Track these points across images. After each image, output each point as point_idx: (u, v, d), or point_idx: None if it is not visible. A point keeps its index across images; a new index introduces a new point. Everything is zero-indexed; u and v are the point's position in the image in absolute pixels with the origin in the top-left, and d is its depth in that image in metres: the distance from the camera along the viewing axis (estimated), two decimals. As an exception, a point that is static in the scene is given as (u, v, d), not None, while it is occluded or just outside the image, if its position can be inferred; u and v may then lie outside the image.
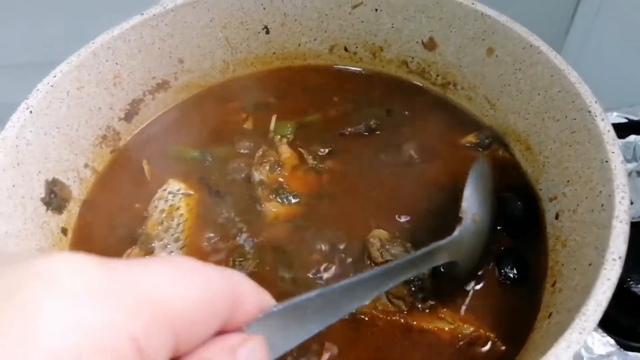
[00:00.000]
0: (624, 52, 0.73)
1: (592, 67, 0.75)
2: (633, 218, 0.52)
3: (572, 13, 0.78)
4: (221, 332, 0.19)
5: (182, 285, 0.17)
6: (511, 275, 0.38)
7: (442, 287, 0.37)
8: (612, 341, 0.46)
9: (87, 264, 0.15)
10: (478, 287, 0.37)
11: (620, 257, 0.28)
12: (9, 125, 0.38)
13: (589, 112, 0.35)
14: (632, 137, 0.57)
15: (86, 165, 0.45)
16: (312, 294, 0.22)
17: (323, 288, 0.23)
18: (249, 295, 0.19)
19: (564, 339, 0.25)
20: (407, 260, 0.31)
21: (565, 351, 0.25)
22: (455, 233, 0.34)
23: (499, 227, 0.40)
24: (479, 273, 0.37)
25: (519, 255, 0.39)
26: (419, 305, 0.36)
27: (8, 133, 0.37)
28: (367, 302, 0.26)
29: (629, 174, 0.57)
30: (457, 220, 0.35)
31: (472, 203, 0.36)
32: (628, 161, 0.57)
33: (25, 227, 0.37)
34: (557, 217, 0.38)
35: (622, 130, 0.58)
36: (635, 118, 0.60)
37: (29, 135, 0.38)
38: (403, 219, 0.41)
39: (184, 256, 0.18)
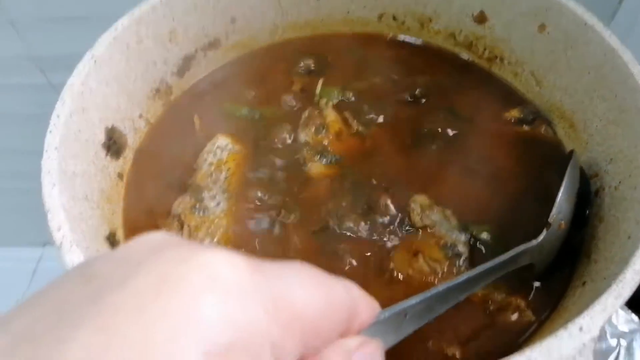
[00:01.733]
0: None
1: (636, 51, 0.74)
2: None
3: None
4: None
5: (312, 293, 0.18)
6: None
7: (478, 254, 0.38)
8: (636, 319, 0.47)
9: (238, 261, 0.16)
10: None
11: (660, 232, 0.29)
12: (75, 72, 0.40)
13: (641, 92, 0.35)
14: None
15: (140, 116, 0.47)
16: (413, 300, 0.24)
17: (423, 294, 0.25)
18: (364, 306, 0.20)
19: (600, 303, 0.27)
20: (494, 265, 0.32)
21: (600, 314, 0.27)
22: (540, 238, 0.35)
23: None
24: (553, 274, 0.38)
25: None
26: (454, 270, 0.38)
27: (75, 80, 0.39)
28: (454, 304, 0.29)
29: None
30: (545, 225, 0.35)
31: (563, 206, 0.36)
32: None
33: (89, 169, 0.39)
34: (597, 193, 0.39)
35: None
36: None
37: (93, 83, 0.41)
38: (442, 188, 0.42)
39: (308, 265, 0.18)
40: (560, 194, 0.36)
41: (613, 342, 0.47)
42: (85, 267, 0.16)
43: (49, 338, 0.13)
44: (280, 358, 0.16)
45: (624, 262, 0.29)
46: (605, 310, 0.27)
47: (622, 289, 0.27)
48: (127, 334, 0.13)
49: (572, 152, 0.39)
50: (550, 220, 0.35)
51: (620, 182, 0.36)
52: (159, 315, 0.14)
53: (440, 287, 0.27)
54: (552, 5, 0.43)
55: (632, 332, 0.47)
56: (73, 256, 0.30)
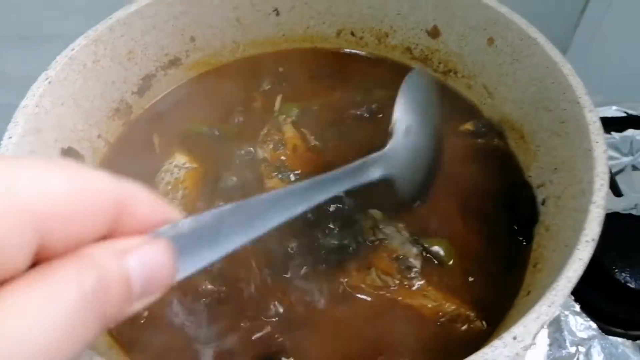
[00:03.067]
0: (631, 48, 0.73)
1: (599, 61, 0.76)
2: (624, 210, 0.54)
3: (582, 7, 0.79)
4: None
5: (50, 178, 0.15)
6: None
7: (430, 266, 0.39)
8: (594, 326, 0.48)
9: None
10: (466, 269, 0.39)
11: (593, 239, 0.30)
12: (29, 94, 0.40)
13: (579, 103, 0.36)
14: (629, 131, 0.59)
15: (99, 136, 0.47)
16: (227, 207, 0.20)
17: (243, 201, 0.21)
18: (143, 201, 0.18)
19: (534, 311, 0.28)
20: (336, 172, 0.29)
21: (534, 321, 0.27)
22: (387, 145, 0.33)
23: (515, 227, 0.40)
24: (424, 199, 0.36)
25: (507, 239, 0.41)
26: (406, 283, 0.38)
27: (29, 101, 0.40)
28: (291, 217, 0.24)
29: (624, 168, 0.58)
30: (387, 134, 0.34)
31: (403, 114, 0.34)
32: (624, 155, 0.59)
33: (42, 190, 0.40)
34: (543, 203, 0.40)
35: (620, 124, 0.59)
36: (634, 112, 0.61)
37: (48, 104, 0.41)
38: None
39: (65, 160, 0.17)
40: (397, 101, 0.34)
41: (572, 349, 0.48)
42: None
43: None
44: (3, 248, 0.14)
45: (559, 271, 0.30)
46: (538, 319, 0.27)
47: (554, 297, 0.28)
48: None
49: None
50: (390, 128, 0.34)
51: (562, 191, 0.37)
52: None
53: (267, 194, 0.23)
54: (498, 19, 0.44)
55: (591, 338, 0.48)
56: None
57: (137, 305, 0.17)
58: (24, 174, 0.15)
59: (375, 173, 0.32)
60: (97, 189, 0.16)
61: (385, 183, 0.33)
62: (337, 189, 0.29)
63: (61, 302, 0.14)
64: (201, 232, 0.19)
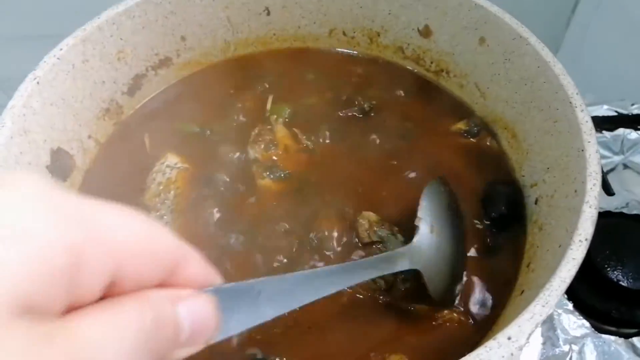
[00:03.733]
0: (620, 48, 0.74)
1: (589, 61, 0.76)
2: (615, 208, 0.54)
3: (572, 7, 0.79)
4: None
5: (128, 223, 0.17)
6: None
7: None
8: (587, 324, 0.48)
9: (46, 182, 0.16)
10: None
11: (586, 239, 0.30)
12: (17, 94, 0.39)
13: (570, 103, 0.36)
14: (620, 130, 0.59)
15: (89, 137, 0.46)
16: (265, 278, 0.22)
17: (280, 275, 0.24)
18: (194, 260, 0.20)
19: (528, 311, 0.27)
20: (368, 261, 0.32)
21: (528, 321, 0.27)
22: (414, 240, 0.36)
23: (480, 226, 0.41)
24: (454, 300, 0.37)
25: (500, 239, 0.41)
26: (400, 285, 0.38)
27: (16, 102, 0.39)
28: (323, 296, 0.26)
29: (615, 167, 0.59)
30: (415, 229, 0.36)
31: (427, 213, 0.37)
32: (615, 154, 0.59)
33: (30, 192, 0.39)
34: (536, 202, 0.40)
35: (612, 123, 0.60)
36: (625, 111, 0.61)
37: (36, 104, 0.40)
38: (390, 203, 0.43)
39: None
40: (420, 203, 0.37)
41: (565, 347, 0.48)
42: None
43: None
44: (83, 273, 0.15)
45: (553, 270, 0.29)
46: (532, 318, 0.27)
47: (549, 297, 0.28)
48: None
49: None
50: (416, 222, 0.36)
51: (555, 190, 0.37)
52: None
53: (301, 273, 0.25)
54: (489, 19, 0.44)
55: (584, 337, 0.48)
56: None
57: (181, 353, 0.18)
58: (110, 213, 0.17)
59: (404, 265, 0.34)
60: (165, 242, 0.18)
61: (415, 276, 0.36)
62: (368, 276, 0.31)
63: (125, 334, 0.16)
64: (240, 297, 0.21)
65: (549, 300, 0.28)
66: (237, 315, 0.21)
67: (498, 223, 0.41)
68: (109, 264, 0.16)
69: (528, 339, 0.27)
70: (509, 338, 0.27)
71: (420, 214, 0.36)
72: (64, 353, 0.14)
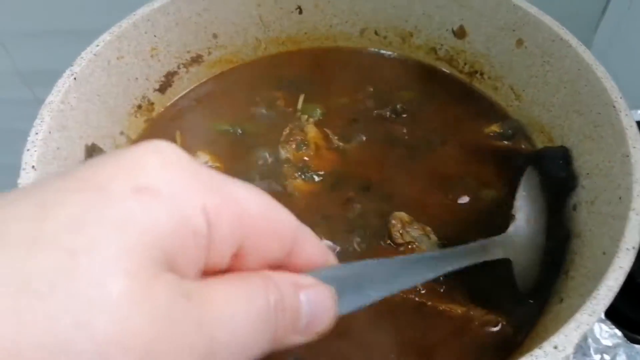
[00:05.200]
0: (653, 50, 0.72)
1: (620, 63, 0.75)
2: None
3: (603, 8, 0.78)
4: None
5: (256, 197, 0.18)
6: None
7: (459, 272, 0.38)
8: (619, 333, 0.47)
9: (183, 151, 0.17)
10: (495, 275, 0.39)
11: (634, 247, 0.29)
12: (55, 90, 0.40)
13: (614, 107, 0.36)
14: (655, 136, 0.58)
15: (122, 133, 0.47)
16: (371, 260, 0.23)
17: (387, 259, 0.24)
18: (312, 240, 0.20)
19: (574, 320, 0.27)
20: (466, 248, 0.32)
21: (575, 331, 0.27)
22: (510, 229, 0.35)
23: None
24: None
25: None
26: (436, 288, 0.38)
27: (54, 98, 0.39)
28: (421, 281, 0.28)
29: (649, 172, 0.57)
30: (510, 218, 0.36)
31: (524, 204, 0.36)
32: (649, 159, 0.58)
33: (67, 187, 0.39)
34: (574, 208, 0.39)
35: (646, 128, 0.58)
36: (658, 117, 0.60)
37: (73, 100, 0.40)
38: (422, 204, 0.42)
39: None
40: (518, 190, 0.37)
41: (597, 357, 0.47)
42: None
43: None
44: (216, 234, 0.16)
45: (598, 278, 0.29)
46: (579, 328, 0.27)
47: (596, 306, 0.27)
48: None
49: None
50: (513, 212, 0.36)
51: (596, 197, 0.36)
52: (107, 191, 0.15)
53: (402, 257, 0.26)
54: (529, 21, 0.43)
55: (616, 346, 0.47)
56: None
57: (297, 339, 0.18)
58: (239, 186, 0.17)
59: (497, 253, 0.34)
60: (287, 220, 0.19)
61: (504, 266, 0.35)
62: (465, 263, 0.31)
63: (251, 308, 0.16)
64: (348, 279, 0.21)
65: (596, 310, 0.27)
66: (345, 295, 0.20)
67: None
68: (238, 233, 0.17)
69: (575, 348, 0.27)
70: (555, 347, 0.26)
71: (518, 203, 0.36)
72: (198, 313, 0.15)
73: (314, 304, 0.18)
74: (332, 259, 0.21)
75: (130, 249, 0.14)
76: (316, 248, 0.20)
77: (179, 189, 0.16)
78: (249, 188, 0.18)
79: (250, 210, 0.17)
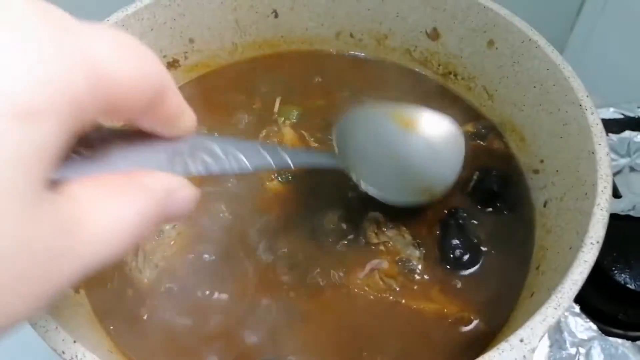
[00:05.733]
0: (626, 50, 0.74)
1: (595, 63, 0.76)
2: (622, 211, 0.54)
3: (577, 10, 0.79)
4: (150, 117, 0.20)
5: (123, 55, 0.17)
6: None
7: (432, 270, 0.39)
8: (594, 327, 0.48)
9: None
10: (467, 272, 0.39)
11: (598, 242, 0.30)
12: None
13: (580, 105, 0.37)
14: (626, 133, 0.59)
15: (98, 138, 0.46)
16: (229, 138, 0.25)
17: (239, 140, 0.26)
18: (175, 94, 0.21)
19: (540, 313, 0.27)
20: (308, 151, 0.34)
21: (540, 324, 0.27)
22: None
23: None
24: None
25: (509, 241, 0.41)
26: (408, 286, 0.38)
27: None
28: (264, 164, 0.28)
29: (622, 169, 0.59)
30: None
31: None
32: (622, 156, 0.59)
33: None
34: (545, 205, 0.40)
35: (618, 125, 0.60)
36: (631, 114, 0.61)
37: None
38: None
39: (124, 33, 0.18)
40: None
41: (572, 350, 0.48)
42: None
43: None
44: (80, 114, 0.15)
45: (565, 273, 0.30)
46: (545, 321, 0.27)
47: (561, 299, 0.28)
48: None
49: None
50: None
51: (564, 193, 0.37)
52: None
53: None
54: (499, 22, 0.44)
55: (591, 339, 0.48)
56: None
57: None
58: (104, 44, 0.16)
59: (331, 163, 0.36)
60: (152, 75, 0.18)
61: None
62: (302, 161, 0.32)
63: (129, 218, 0.18)
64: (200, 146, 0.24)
65: (561, 303, 0.28)
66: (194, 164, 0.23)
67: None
68: (101, 106, 0.16)
69: (540, 341, 0.27)
70: (521, 340, 0.27)
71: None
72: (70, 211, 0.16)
73: (180, 202, 0.20)
74: (189, 114, 0.22)
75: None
76: (180, 104, 0.21)
77: (49, 79, 0.14)
78: (115, 42, 0.17)
79: (118, 80, 0.17)
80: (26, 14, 0.14)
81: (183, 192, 0.21)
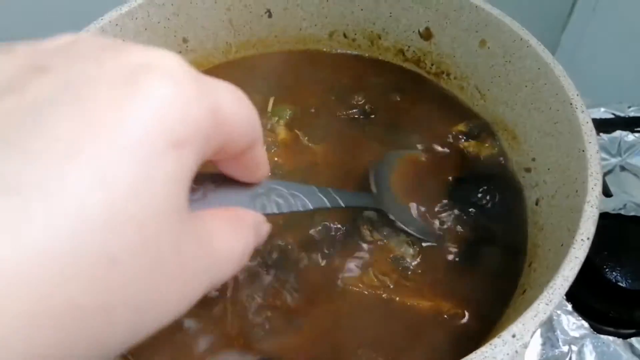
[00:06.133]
0: (617, 50, 0.75)
1: (586, 63, 0.77)
2: (613, 210, 0.55)
3: (569, 10, 0.80)
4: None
5: (240, 107, 0.19)
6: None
7: (426, 267, 0.39)
8: (586, 324, 0.49)
9: (184, 66, 0.18)
10: (461, 270, 0.40)
11: (588, 238, 0.30)
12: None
13: (571, 104, 0.37)
14: (617, 133, 0.60)
15: (91, 138, 0.46)
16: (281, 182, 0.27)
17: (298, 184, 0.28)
18: (262, 146, 0.23)
19: (532, 309, 0.28)
20: (353, 193, 0.37)
21: (532, 319, 0.27)
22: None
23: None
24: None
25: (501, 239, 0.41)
26: (402, 283, 0.38)
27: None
28: (317, 206, 0.30)
29: (613, 169, 0.59)
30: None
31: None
32: (612, 156, 0.60)
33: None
34: (537, 203, 0.40)
35: (609, 125, 0.60)
36: (622, 114, 0.62)
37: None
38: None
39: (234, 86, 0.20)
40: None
41: (565, 348, 0.48)
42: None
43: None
44: (206, 147, 0.18)
45: (556, 269, 0.30)
46: (536, 317, 0.28)
47: (552, 295, 0.28)
48: (101, 121, 0.15)
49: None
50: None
51: (556, 191, 0.37)
52: (129, 108, 0.15)
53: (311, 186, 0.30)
54: (490, 21, 0.44)
55: (583, 337, 0.49)
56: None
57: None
58: (227, 96, 0.19)
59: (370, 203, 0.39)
60: (256, 120, 0.21)
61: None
62: (351, 203, 0.35)
63: (243, 248, 0.21)
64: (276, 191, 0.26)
65: (552, 299, 0.28)
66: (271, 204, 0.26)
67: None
68: (218, 146, 0.19)
69: (532, 337, 0.27)
70: (514, 336, 0.27)
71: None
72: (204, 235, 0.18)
73: (264, 235, 0.24)
74: (267, 165, 0.24)
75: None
76: (263, 152, 0.23)
77: (195, 121, 0.17)
78: (234, 95, 0.19)
79: (234, 125, 0.19)
80: (175, 65, 0.17)
81: (266, 227, 0.24)
